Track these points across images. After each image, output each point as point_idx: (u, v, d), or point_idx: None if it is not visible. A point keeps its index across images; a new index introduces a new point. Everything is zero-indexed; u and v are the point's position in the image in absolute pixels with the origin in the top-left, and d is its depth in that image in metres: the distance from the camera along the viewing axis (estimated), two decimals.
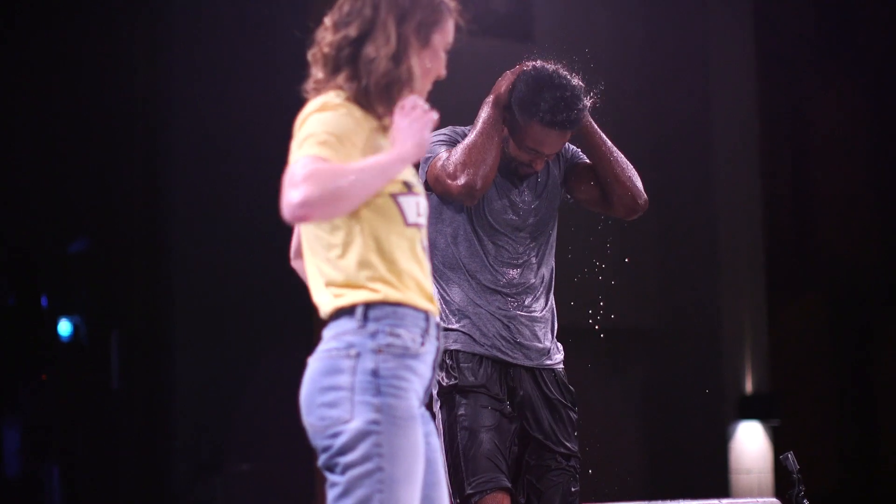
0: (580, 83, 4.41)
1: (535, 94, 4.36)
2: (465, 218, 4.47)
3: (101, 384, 9.76)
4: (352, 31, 3.10)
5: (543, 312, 4.53)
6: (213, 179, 9.40)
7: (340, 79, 3.09)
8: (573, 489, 4.49)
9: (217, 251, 9.37)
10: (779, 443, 10.84)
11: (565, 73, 4.40)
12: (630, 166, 4.52)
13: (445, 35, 3.17)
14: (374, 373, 2.99)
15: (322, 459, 3.01)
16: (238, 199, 9.19)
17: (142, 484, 9.68)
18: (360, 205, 3.03)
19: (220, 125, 9.31)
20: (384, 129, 3.11)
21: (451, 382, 4.41)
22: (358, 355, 3.00)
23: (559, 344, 4.57)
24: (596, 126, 4.49)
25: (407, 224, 3.09)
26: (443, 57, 3.19)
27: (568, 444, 4.49)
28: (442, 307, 4.43)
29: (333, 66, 3.12)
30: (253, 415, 9.35)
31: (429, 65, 3.15)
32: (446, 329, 4.44)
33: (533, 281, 4.51)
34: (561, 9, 9.90)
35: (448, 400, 4.40)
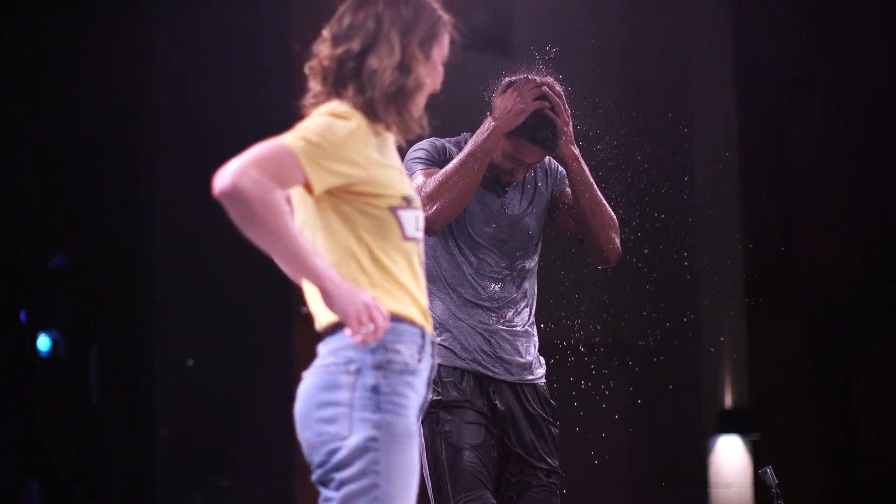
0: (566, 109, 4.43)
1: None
2: (446, 230, 4.45)
3: (79, 399, 9.73)
4: (355, 45, 3.09)
5: (525, 327, 4.50)
6: (194, 195, 9.36)
7: (348, 93, 3.07)
8: None
9: (197, 267, 9.35)
10: (758, 457, 10.84)
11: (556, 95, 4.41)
12: (609, 217, 4.49)
13: (443, 49, 3.18)
14: (374, 389, 2.97)
15: (317, 474, 2.99)
16: (220, 216, 9.16)
17: (121, 500, 9.65)
18: (358, 218, 3.02)
19: (202, 141, 9.29)
20: (383, 136, 3.10)
21: (433, 398, 4.35)
22: (358, 371, 2.98)
23: (541, 358, 4.55)
24: (584, 166, 4.47)
25: (405, 238, 3.08)
26: (441, 71, 3.19)
27: (549, 460, 4.47)
28: None
29: (336, 79, 3.10)
30: (233, 430, 9.33)
31: (428, 79, 3.15)
32: None
33: (515, 295, 4.48)
34: (540, 24, 9.91)
35: (431, 416, 4.35)
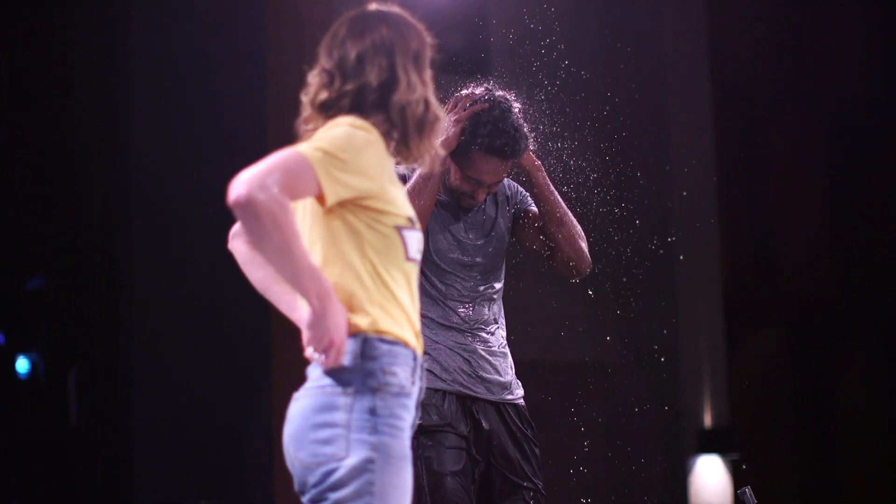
0: (520, 117, 4.37)
1: (476, 122, 4.33)
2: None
3: (59, 422, 9.70)
4: (372, 80, 3.08)
5: (500, 347, 4.49)
6: (173, 216, 9.37)
7: (374, 119, 3.06)
8: None
9: (176, 288, 9.33)
10: (738, 477, 10.86)
11: (508, 102, 4.38)
12: (576, 228, 4.48)
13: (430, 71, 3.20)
14: (372, 411, 2.98)
15: (310, 494, 2.99)
16: (199, 237, 9.16)
17: None
18: (366, 233, 3.03)
19: (180, 160, 9.29)
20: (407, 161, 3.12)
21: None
22: (355, 393, 2.98)
23: (518, 380, 4.55)
24: (547, 180, 4.46)
25: (408, 258, 3.09)
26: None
27: (535, 481, 4.46)
28: None
29: (352, 108, 3.09)
30: (213, 452, 9.31)
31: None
32: None
33: (486, 316, 4.47)
34: (515, 46, 9.93)
35: (412, 438, 4.36)
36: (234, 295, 6.98)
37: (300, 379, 3.10)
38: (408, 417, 3.04)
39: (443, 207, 4.43)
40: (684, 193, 10.90)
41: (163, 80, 9.40)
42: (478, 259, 4.46)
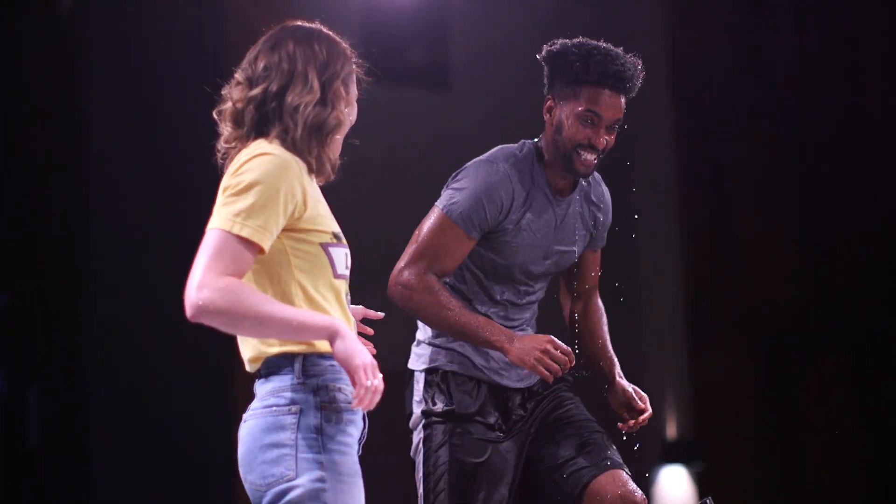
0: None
1: (586, 53, 4.23)
2: (480, 262, 4.32)
3: (18, 442, 9.64)
4: (273, 85, 3.11)
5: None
6: (138, 236, 9.34)
7: (273, 132, 3.08)
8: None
9: (141, 309, 9.30)
10: (703, 487, 10.87)
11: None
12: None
13: (356, 86, 3.20)
14: (318, 429, 2.98)
15: None
16: (164, 257, 9.13)
17: None
18: (291, 254, 3.02)
19: (143, 180, 9.28)
20: (312, 172, 3.12)
21: (444, 408, 4.28)
22: (301, 411, 2.98)
23: None
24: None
25: (336, 275, 3.08)
26: (356, 108, 3.22)
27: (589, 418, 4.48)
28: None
29: (257, 120, 3.11)
30: (174, 475, 9.27)
31: (351, 116, 3.18)
32: (439, 347, 4.33)
33: (528, 315, 4.46)
34: (477, 59, 9.94)
35: (438, 423, 4.28)
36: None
37: None
38: (355, 433, 3.04)
39: (538, 216, 4.33)
40: (646, 204, 10.93)
41: (127, 97, 9.37)
42: (554, 267, 4.43)
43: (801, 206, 11.41)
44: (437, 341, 4.33)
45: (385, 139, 7.45)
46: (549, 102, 4.33)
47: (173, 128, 9.15)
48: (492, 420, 4.34)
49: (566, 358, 4.06)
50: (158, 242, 9.13)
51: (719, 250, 11.43)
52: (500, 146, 4.36)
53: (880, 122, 11.12)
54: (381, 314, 3.56)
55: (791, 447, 11.42)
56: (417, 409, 4.32)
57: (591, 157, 4.31)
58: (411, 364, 4.41)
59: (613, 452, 4.38)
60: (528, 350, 4.05)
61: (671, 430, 11.01)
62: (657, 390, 11.02)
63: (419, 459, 4.29)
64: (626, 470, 4.39)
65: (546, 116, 4.33)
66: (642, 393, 4.48)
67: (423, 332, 4.43)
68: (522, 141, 4.40)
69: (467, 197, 4.21)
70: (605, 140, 4.31)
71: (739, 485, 11.07)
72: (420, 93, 8.83)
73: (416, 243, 4.20)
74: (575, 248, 4.47)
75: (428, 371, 4.35)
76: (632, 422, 4.43)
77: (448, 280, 4.31)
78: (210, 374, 9.03)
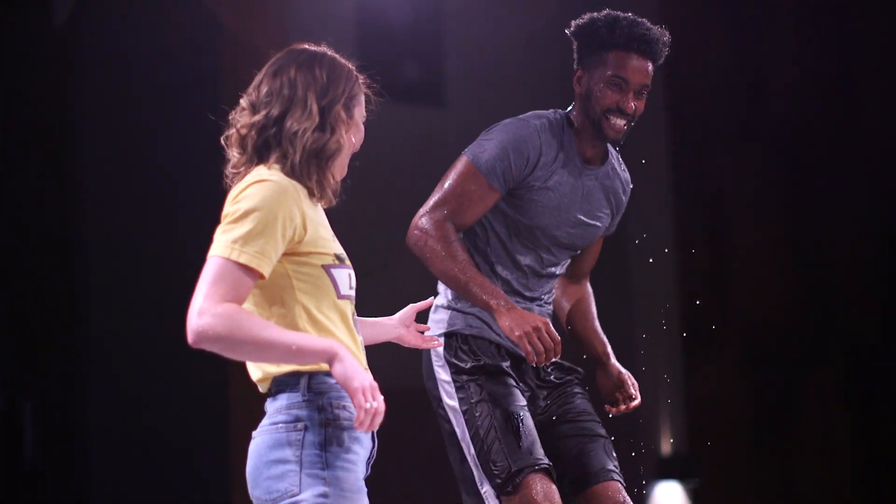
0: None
1: (611, 21, 4.25)
2: (504, 221, 4.31)
3: (13, 458, 9.63)
4: (274, 111, 3.13)
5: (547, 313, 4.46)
6: (132, 248, 9.35)
7: (272, 157, 3.10)
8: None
9: (136, 322, 9.30)
10: (697, 503, 10.88)
11: None
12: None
13: (362, 108, 3.23)
14: (322, 446, 3.00)
15: None
16: (159, 269, 9.14)
17: None
18: (293, 277, 3.05)
19: (135, 193, 9.28)
20: (314, 196, 3.13)
21: (474, 364, 4.24)
22: (305, 428, 3.01)
23: None
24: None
25: (339, 297, 3.10)
26: (363, 130, 3.24)
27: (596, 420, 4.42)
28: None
29: (258, 146, 3.14)
30: (172, 488, 9.27)
31: (353, 139, 3.20)
32: (458, 311, 4.30)
33: (548, 287, 4.45)
34: (472, 74, 9.96)
35: (472, 380, 4.22)
36: None
37: (257, 412, 3.12)
38: (360, 451, 3.06)
39: (564, 179, 4.32)
40: (641, 219, 10.94)
41: (120, 107, 9.38)
42: (576, 240, 4.42)
43: (795, 220, 11.44)
44: (458, 305, 4.31)
45: (379, 155, 7.48)
46: (578, 73, 4.40)
47: (170, 139, 9.17)
48: (517, 376, 4.33)
49: (552, 344, 4.01)
50: (155, 255, 9.15)
51: (714, 265, 11.44)
52: (532, 111, 4.42)
53: (875, 138, 11.16)
54: (431, 301, 3.68)
55: (786, 463, 11.42)
56: (444, 374, 4.27)
57: (620, 122, 4.33)
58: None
59: (612, 462, 4.35)
60: (519, 322, 4.01)
61: (666, 446, 11.02)
62: (652, 405, 11.03)
63: (459, 425, 4.21)
64: (622, 481, 4.36)
65: (576, 87, 4.38)
66: (633, 379, 4.47)
67: (444, 296, 4.38)
68: (554, 110, 4.44)
69: (494, 146, 4.23)
70: (634, 105, 4.34)
71: (734, 501, 11.07)
72: (414, 108, 8.86)
73: (440, 191, 4.21)
74: (598, 224, 4.46)
75: (447, 335, 4.31)
76: (623, 406, 4.41)
77: (473, 240, 4.30)
78: (207, 387, 9.04)
